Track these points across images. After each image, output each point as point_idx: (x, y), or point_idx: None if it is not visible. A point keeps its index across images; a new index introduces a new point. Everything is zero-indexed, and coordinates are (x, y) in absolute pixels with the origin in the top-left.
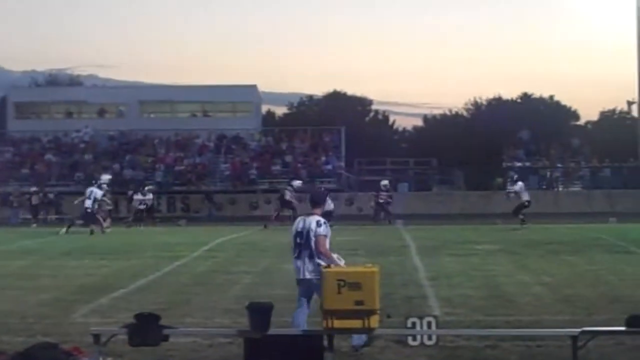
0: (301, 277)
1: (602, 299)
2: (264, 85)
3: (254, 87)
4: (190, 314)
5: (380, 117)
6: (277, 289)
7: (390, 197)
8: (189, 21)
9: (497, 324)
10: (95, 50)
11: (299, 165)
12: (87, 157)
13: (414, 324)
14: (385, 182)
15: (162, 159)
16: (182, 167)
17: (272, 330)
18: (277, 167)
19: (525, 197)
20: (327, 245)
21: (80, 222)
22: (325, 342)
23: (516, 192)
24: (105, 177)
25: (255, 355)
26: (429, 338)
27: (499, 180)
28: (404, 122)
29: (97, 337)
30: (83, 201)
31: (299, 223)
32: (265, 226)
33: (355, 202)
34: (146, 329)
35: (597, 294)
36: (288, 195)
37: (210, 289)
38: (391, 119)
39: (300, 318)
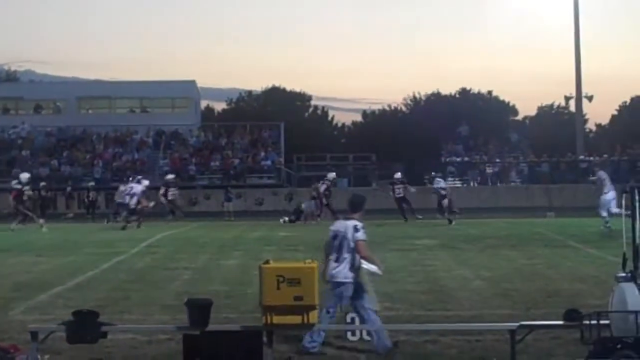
0: (334, 280)
1: (540, 293)
2: (203, 81)
3: (192, 82)
4: (129, 310)
5: (319, 112)
6: (216, 285)
7: (406, 188)
8: (127, 16)
9: (436, 319)
10: (31, 46)
11: (236, 160)
12: (25, 153)
13: (353, 319)
14: (398, 174)
15: (101, 155)
16: (121, 163)
17: (211, 327)
18: (216, 163)
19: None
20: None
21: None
22: (265, 338)
23: (442, 189)
24: (170, 177)
25: (194, 352)
26: (368, 333)
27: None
28: (343, 118)
29: (34, 334)
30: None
31: (337, 225)
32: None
33: (295, 198)
34: (84, 326)
35: (535, 288)
36: (322, 189)
37: (149, 285)
38: (330, 114)
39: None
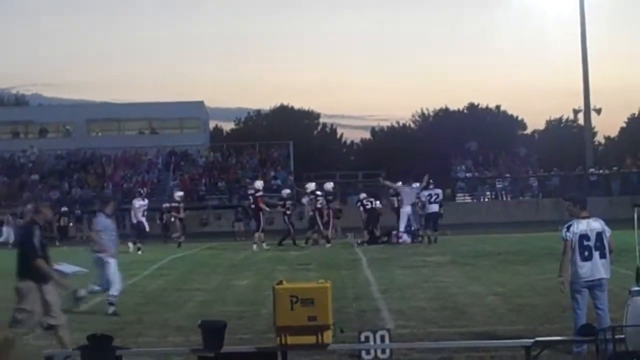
0: (596, 277)
1: (555, 308)
2: (211, 101)
3: (201, 103)
4: (143, 333)
5: (328, 130)
6: (229, 306)
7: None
8: (133, 38)
9: (450, 336)
10: (38, 69)
11: (246, 180)
12: (34, 177)
13: (367, 338)
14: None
15: (111, 177)
16: (131, 184)
17: (226, 348)
18: (222, 184)
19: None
20: None
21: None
22: (280, 359)
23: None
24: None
25: None
26: (383, 352)
27: (449, 191)
28: (352, 135)
29: (50, 359)
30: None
31: (579, 225)
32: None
33: (306, 216)
34: (99, 350)
35: (549, 303)
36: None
37: (162, 307)
38: (339, 132)
39: (584, 318)
